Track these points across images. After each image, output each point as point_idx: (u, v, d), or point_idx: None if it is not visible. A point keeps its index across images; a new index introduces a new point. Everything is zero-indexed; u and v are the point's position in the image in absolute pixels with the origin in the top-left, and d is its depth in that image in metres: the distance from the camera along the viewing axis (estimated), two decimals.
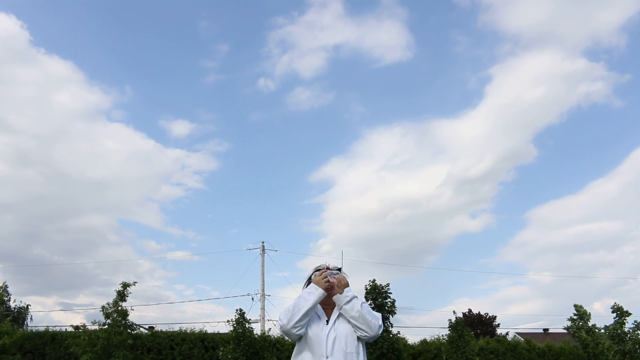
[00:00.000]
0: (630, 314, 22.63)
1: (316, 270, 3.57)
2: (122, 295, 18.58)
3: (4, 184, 60.40)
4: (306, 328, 3.18)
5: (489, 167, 74.54)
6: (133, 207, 79.08)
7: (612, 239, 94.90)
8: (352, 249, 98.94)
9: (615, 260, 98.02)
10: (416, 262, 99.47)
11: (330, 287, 3.32)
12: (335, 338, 3.19)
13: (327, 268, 3.57)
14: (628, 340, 22.15)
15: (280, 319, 3.20)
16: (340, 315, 3.28)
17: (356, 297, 3.23)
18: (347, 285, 3.30)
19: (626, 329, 22.41)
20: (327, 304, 3.33)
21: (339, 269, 3.56)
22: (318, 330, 3.20)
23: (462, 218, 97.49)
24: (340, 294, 3.24)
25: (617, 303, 22.84)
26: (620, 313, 22.67)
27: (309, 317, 3.16)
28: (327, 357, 3.18)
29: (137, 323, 19.53)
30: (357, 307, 3.19)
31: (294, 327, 3.13)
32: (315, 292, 3.17)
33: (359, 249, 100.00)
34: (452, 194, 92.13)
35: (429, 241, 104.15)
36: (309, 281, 3.48)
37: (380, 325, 3.31)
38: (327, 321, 3.27)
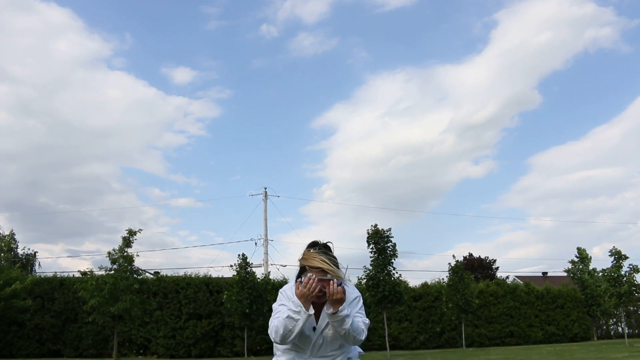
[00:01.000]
0: (627, 257, 23.03)
1: (310, 247, 3.09)
2: (127, 242, 18.85)
3: (7, 134, 60.35)
4: None
5: (493, 114, 73.97)
6: (136, 155, 79.11)
7: (614, 185, 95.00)
8: (354, 194, 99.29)
9: (616, 205, 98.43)
10: (418, 207, 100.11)
11: (320, 296, 2.88)
12: (321, 344, 2.97)
13: (324, 247, 3.10)
14: (624, 283, 22.60)
15: (271, 335, 2.94)
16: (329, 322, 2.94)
17: (348, 315, 2.84)
18: (342, 301, 2.81)
19: (622, 272, 22.86)
20: (316, 305, 2.96)
21: (341, 275, 2.98)
22: (304, 335, 2.95)
23: (465, 164, 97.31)
24: (333, 311, 2.80)
25: (615, 247, 23.19)
26: (618, 257, 23.05)
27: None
28: (309, 357, 3.00)
29: (143, 268, 19.88)
30: (345, 327, 2.84)
31: (286, 344, 2.95)
32: (303, 315, 2.82)
33: (362, 195, 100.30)
34: (455, 140, 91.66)
35: (431, 187, 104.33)
36: (301, 271, 3.02)
37: (362, 339, 2.95)
38: (315, 328, 2.97)
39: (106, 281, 17.90)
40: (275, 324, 2.86)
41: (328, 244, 3.16)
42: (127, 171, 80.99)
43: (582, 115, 77.16)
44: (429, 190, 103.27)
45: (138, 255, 19.11)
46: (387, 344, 20.30)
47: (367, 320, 3.00)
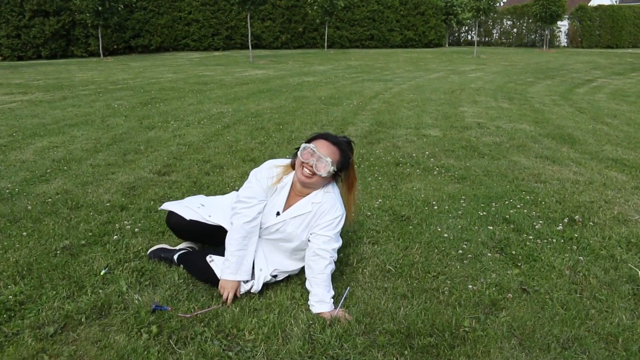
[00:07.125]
0: None
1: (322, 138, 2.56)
2: None
3: None
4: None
5: None
6: None
7: None
8: None
9: None
10: None
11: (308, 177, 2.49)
12: (276, 231, 2.60)
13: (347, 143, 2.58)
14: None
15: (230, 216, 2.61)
16: (298, 215, 2.56)
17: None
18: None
19: None
20: (300, 193, 2.57)
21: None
22: (264, 215, 2.58)
23: None
24: None
25: None
26: None
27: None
28: (260, 236, 2.64)
29: None
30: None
31: None
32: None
33: None
34: None
35: None
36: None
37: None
38: (279, 213, 2.58)
39: None
40: (235, 225, 2.54)
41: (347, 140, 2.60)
42: None
43: None
44: None
45: None
46: (250, 43, 20.16)
47: (337, 245, 2.53)
